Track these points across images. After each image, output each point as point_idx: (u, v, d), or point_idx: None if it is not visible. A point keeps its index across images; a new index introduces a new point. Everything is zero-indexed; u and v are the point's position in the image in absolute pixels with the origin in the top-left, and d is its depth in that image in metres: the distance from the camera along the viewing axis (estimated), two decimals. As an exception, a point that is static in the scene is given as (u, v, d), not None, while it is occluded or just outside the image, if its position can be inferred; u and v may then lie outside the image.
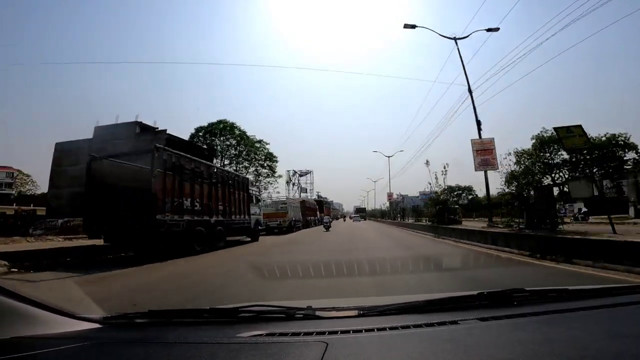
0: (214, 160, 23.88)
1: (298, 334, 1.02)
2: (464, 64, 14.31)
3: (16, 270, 6.85)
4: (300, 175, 67.97)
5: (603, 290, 1.45)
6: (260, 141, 39.48)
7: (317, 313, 1.22)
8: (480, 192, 49.30)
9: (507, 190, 11.02)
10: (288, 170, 62.58)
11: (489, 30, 14.35)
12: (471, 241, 10.88)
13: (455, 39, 14.78)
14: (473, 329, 1.04)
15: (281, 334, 1.03)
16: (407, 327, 1.05)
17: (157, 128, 11.10)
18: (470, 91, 14.10)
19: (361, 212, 74.14)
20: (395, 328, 1.04)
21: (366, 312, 1.23)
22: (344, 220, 60.70)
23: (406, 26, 15.14)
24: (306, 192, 63.46)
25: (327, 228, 24.61)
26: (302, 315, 1.20)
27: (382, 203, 66.17)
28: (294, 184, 64.78)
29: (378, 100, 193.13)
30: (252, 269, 6.70)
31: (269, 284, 5.03)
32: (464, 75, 14.17)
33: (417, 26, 15.09)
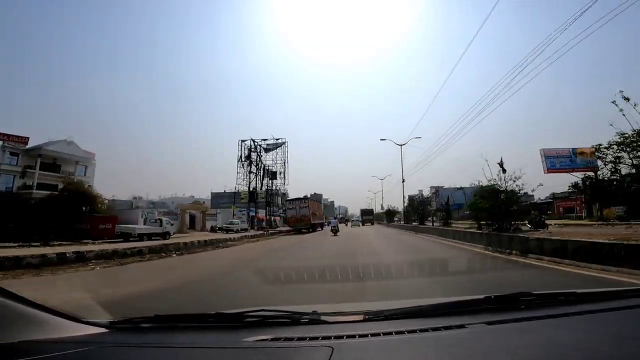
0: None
1: (304, 339, 1.02)
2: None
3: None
4: (267, 150, 39.04)
5: (610, 293, 1.44)
6: None
7: (323, 318, 1.21)
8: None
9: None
10: (243, 141, 36.22)
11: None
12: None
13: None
14: (479, 333, 1.03)
15: (286, 339, 1.03)
16: (413, 331, 1.04)
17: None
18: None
19: (367, 215, 63.01)
20: (402, 332, 1.03)
21: (372, 316, 1.23)
22: (346, 225, 47.66)
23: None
24: (275, 177, 37.60)
25: (335, 232, 22.65)
26: (307, 320, 1.20)
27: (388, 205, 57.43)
28: (251, 163, 37.33)
29: (387, 100, 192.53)
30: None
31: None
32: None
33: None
